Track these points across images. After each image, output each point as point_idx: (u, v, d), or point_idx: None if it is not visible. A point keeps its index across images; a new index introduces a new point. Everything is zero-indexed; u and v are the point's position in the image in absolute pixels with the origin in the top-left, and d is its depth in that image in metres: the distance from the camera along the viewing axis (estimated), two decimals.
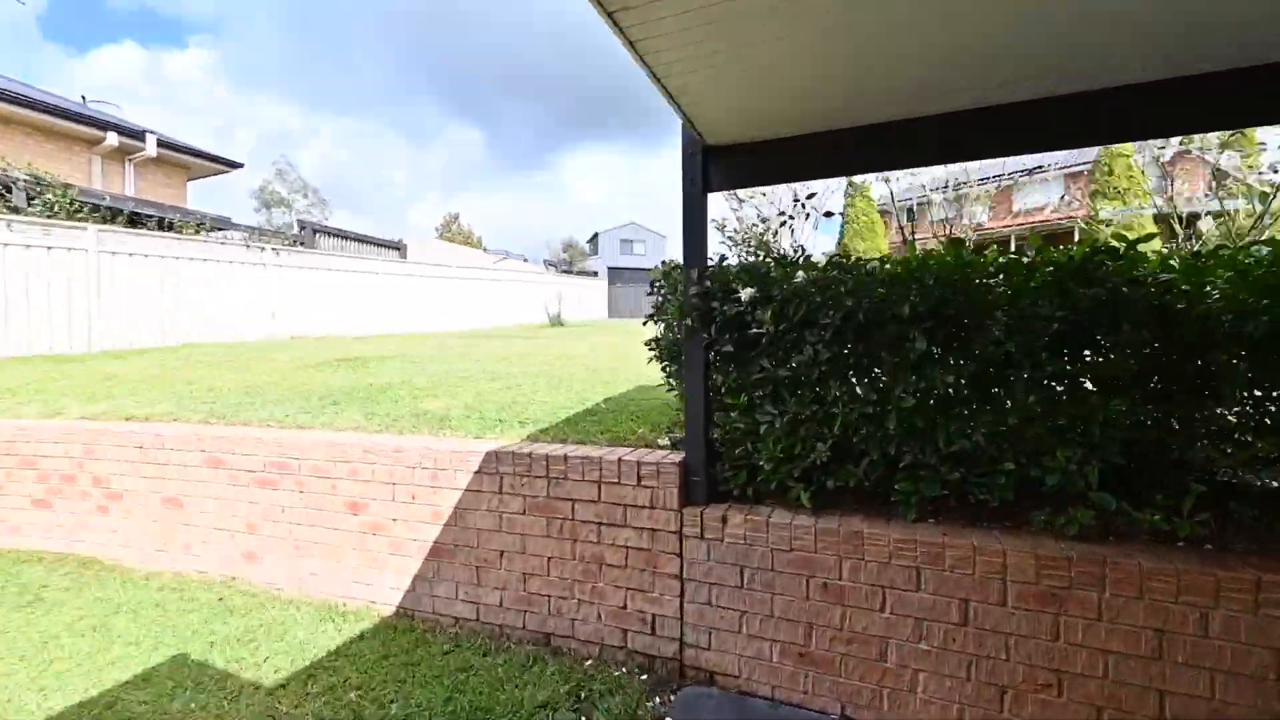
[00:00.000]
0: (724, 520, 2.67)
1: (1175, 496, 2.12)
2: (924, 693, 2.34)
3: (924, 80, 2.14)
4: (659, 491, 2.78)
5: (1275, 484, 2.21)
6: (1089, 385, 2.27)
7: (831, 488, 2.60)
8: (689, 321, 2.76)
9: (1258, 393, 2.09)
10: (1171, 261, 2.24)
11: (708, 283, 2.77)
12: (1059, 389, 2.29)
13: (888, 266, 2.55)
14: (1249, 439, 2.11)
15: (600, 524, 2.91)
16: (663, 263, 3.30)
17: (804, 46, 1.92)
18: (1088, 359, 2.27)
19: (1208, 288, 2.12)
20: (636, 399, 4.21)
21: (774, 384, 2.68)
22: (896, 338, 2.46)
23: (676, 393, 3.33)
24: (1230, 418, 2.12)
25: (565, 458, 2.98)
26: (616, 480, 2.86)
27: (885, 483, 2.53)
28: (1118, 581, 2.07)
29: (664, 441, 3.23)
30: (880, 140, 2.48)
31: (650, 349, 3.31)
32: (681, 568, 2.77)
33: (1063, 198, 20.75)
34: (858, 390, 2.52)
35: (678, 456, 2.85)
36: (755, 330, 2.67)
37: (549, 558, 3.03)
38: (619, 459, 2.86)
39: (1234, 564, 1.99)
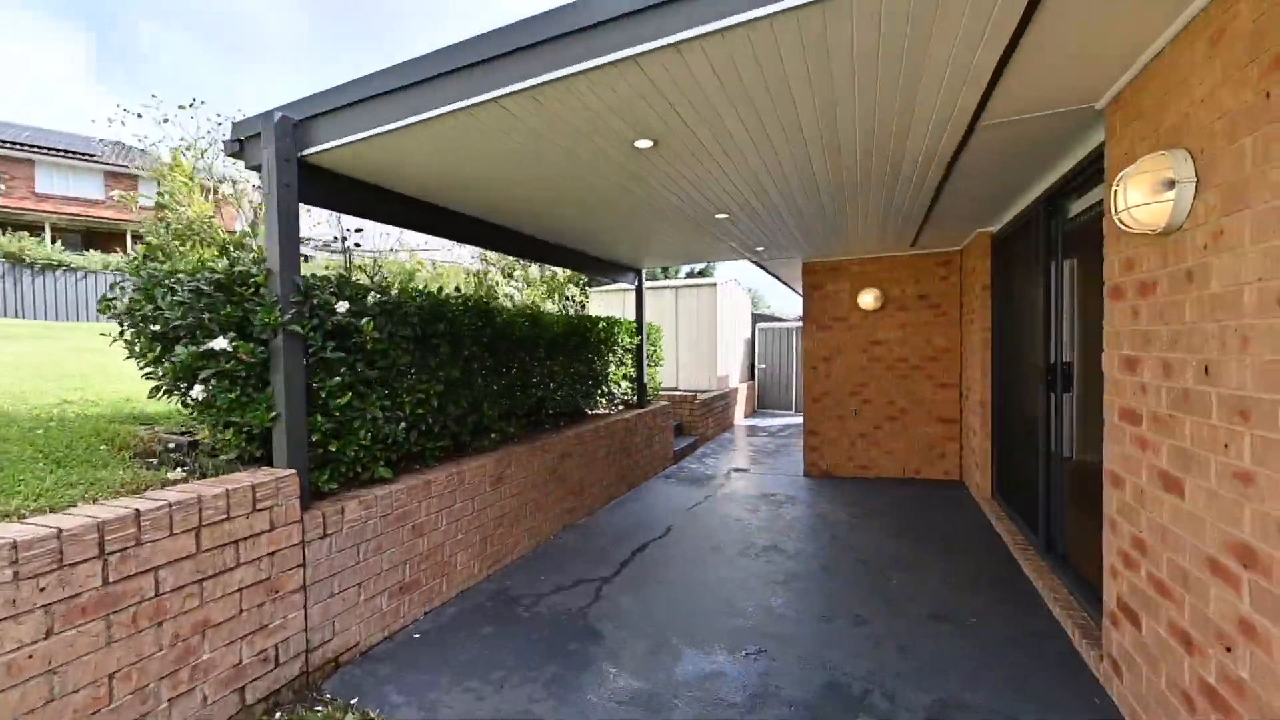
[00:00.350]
0: (343, 511, 2.90)
1: (516, 416, 4.52)
2: (460, 564, 3.70)
3: (468, 193, 3.58)
4: (279, 509, 2.59)
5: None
6: (489, 369, 4.32)
7: (395, 459, 3.41)
8: (297, 329, 2.71)
9: (537, 368, 4.78)
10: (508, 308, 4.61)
11: (315, 294, 2.83)
12: (485, 373, 4.20)
13: (419, 300, 3.60)
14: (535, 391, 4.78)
15: (203, 579, 2.29)
16: (151, 271, 2.64)
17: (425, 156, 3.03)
18: (492, 359, 4.30)
19: (516, 322, 4.63)
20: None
21: (366, 383, 3.15)
22: (433, 346, 3.63)
23: (197, 410, 2.71)
24: (535, 380, 4.73)
25: (137, 515, 2.10)
26: (225, 516, 2.37)
27: (421, 446, 3.61)
28: (513, 461, 4.26)
29: (177, 474, 2.66)
30: (436, 217, 3.56)
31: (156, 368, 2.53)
32: (304, 577, 2.71)
33: (110, 196, 18.63)
34: (418, 384, 3.48)
35: (285, 470, 2.69)
36: (357, 339, 3.04)
37: (112, 674, 2.02)
38: (226, 491, 2.38)
39: (540, 437, 4.61)
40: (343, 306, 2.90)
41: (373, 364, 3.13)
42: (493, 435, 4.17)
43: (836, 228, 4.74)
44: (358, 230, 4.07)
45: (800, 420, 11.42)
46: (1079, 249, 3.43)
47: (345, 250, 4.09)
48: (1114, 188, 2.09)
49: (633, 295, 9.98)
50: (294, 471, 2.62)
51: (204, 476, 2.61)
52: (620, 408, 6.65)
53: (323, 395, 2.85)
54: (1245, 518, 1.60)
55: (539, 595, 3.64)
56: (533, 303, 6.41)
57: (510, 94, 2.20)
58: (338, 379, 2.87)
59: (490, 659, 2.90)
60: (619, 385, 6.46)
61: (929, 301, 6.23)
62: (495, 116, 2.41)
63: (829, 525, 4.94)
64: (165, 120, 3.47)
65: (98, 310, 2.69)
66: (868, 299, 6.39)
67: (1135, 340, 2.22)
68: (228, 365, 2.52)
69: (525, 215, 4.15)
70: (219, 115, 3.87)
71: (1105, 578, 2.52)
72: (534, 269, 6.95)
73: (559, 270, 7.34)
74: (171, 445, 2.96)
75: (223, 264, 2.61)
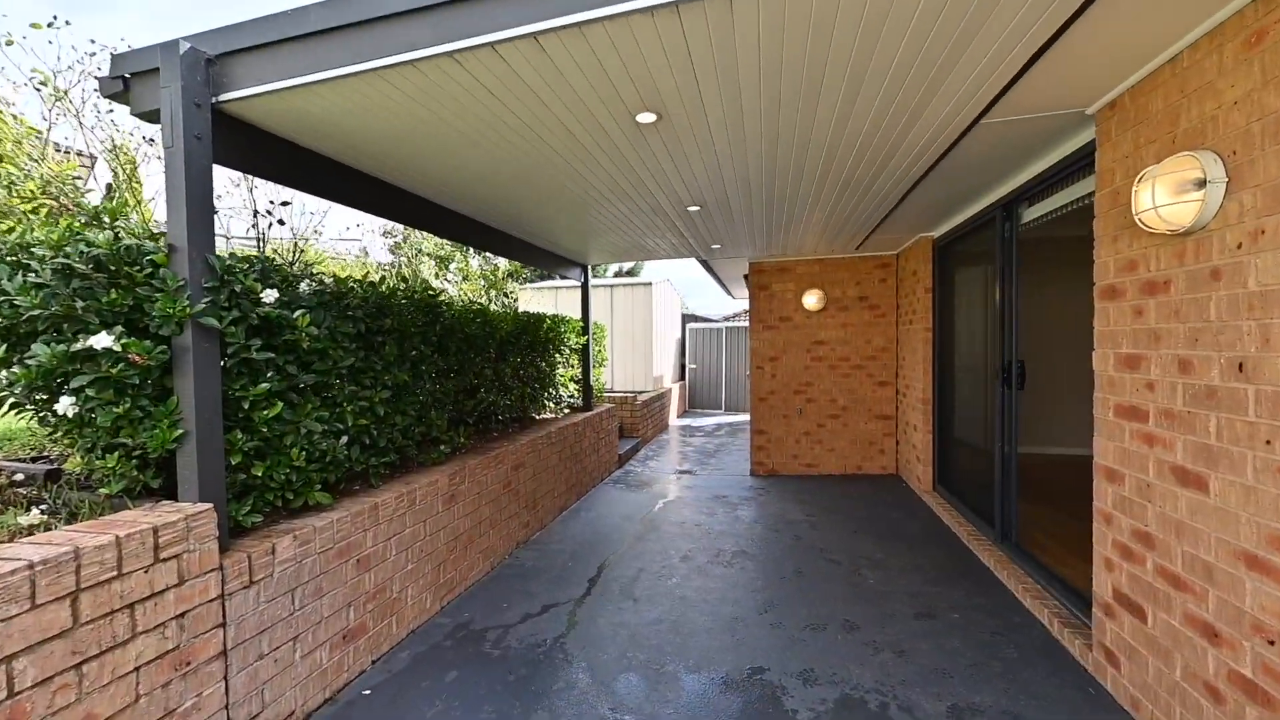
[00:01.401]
0: (273, 550, 2.33)
1: (466, 424, 4.02)
2: (410, 598, 3.18)
3: (417, 172, 3.08)
4: (191, 555, 2.01)
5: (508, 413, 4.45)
6: (440, 371, 3.79)
7: (332, 481, 2.85)
8: (212, 322, 2.13)
9: (487, 371, 4.27)
10: (457, 305, 4.08)
11: (234, 278, 2.25)
12: (433, 377, 3.68)
13: (361, 289, 3.04)
14: (485, 396, 4.27)
15: (84, 662, 1.70)
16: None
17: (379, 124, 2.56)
18: (442, 360, 3.78)
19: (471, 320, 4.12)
20: None
21: (300, 390, 2.58)
22: (378, 345, 3.08)
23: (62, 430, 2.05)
24: (485, 383, 4.21)
25: None
26: (116, 573, 1.79)
27: (364, 463, 3.05)
28: (467, 475, 3.77)
29: (34, 516, 2.01)
30: (385, 196, 3.01)
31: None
32: (225, 640, 2.13)
33: None
34: (360, 388, 2.93)
35: (196, 505, 2.09)
36: (289, 335, 2.47)
37: None
38: (115, 538, 1.79)
39: (492, 446, 4.12)
40: (271, 296, 2.32)
41: (308, 367, 2.56)
42: (442, 447, 3.66)
43: (798, 226, 4.70)
44: (284, 204, 3.35)
45: (731, 419, 11.58)
46: (1037, 252, 3.59)
47: (265, 226, 3.35)
48: (1134, 188, 2.10)
49: (566, 293, 9.56)
50: (209, 505, 2.04)
51: (75, 518, 1.96)
52: (567, 411, 6.25)
53: (245, 406, 2.26)
54: None
55: (506, 627, 3.20)
56: (470, 299, 5.85)
57: (511, 39, 1.81)
58: (265, 385, 2.29)
59: (463, 712, 2.45)
60: (566, 387, 6.06)
61: (868, 303, 6.43)
62: (488, 67, 2.00)
63: (789, 525, 4.89)
64: (9, 42, 2.57)
65: None
66: (811, 300, 6.48)
67: (1139, 338, 2.25)
68: (113, 369, 1.89)
69: (485, 200, 3.67)
70: (95, 42, 2.96)
71: (1096, 570, 2.57)
72: (474, 262, 6.36)
73: (502, 262, 6.78)
74: (18, 477, 2.23)
75: (103, 235, 1.96)
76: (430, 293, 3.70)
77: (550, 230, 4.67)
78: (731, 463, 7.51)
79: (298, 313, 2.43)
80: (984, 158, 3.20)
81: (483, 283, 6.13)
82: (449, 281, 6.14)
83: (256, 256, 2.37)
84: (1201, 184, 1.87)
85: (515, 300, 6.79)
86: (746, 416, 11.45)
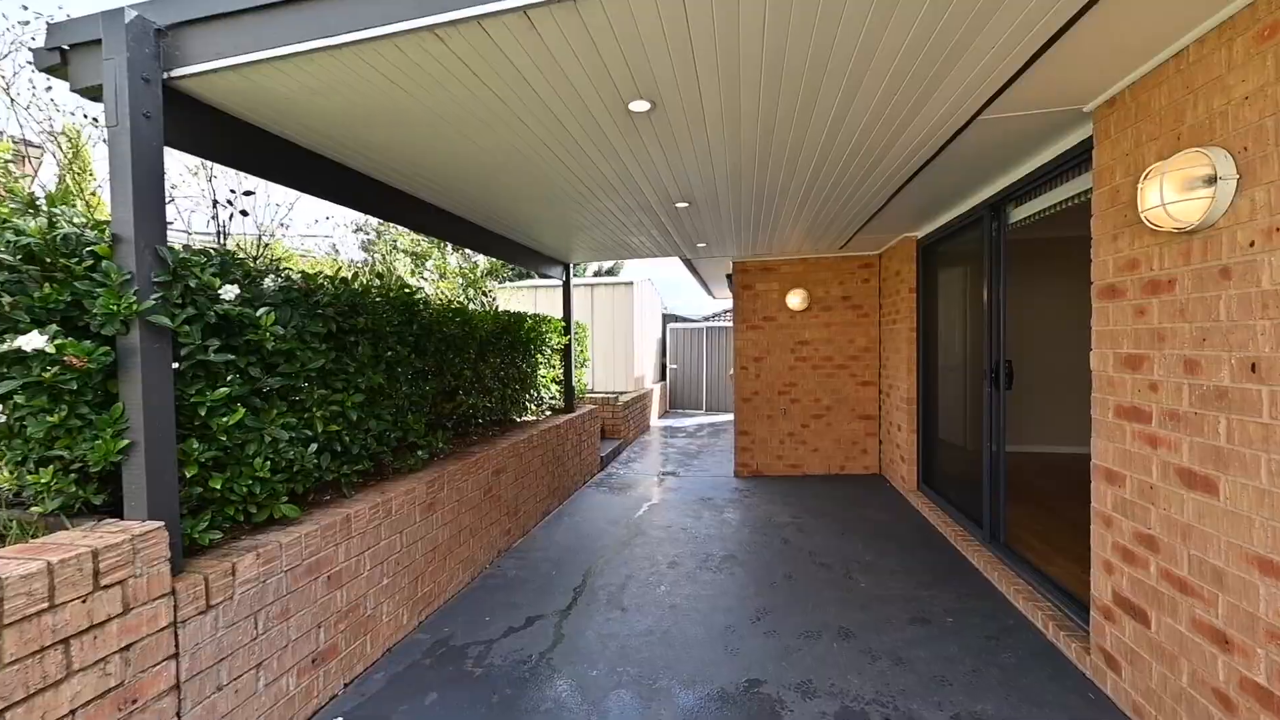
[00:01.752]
0: (233, 570, 2.13)
1: (445, 427, 3.83)
2: (385, 615, 2.99)
3: (393, 160, 2.89)
4: (138, 580, 1.81)
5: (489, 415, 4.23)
6: (422, 373, 3.60)
7: (300, 492, 2.66)
8: (164, 321, 1.93)
9: (466, 372, 4.08)
10: (434, 305, 3.88)
11: (188, 273, 2.05)
12: (410, 379, 3.48)
13: (332, 286, 2.84)
14: (464, 398, 4.08)
15: (3, 710, 1.50)
16: None
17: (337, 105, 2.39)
18: (419, 361, 3.58)
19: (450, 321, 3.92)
20: None
21: (264, 395, 2.38)
22: (351, 346, 2.89)
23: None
24: (465, 385, 4.02)
25: None
26: (47, 604, 1.58)
27: (335, 472, 2.86)
28: (446, 482, 3.58)
29: None
30: (351, 184, 2.81)
31: None
32: (178, 672, 1.93)
33: None
34: (331, 392, 2.73)
35: (144, 523, 1.89)
36: (252, 335, 2.27)
37: None
38: (47, 565, 1.59)
39: (472, 451, 3.94)
40: (230, 292, 2.12)
41: (273, 369, 2.36)
42: (420, 452, 3.46)
43: (785, 224, 4.63)
44: (247, 193, 3.10)
45: (712, 419, 11.53)
46: (1027, 252, 3.57)
47: (226, 218, 3.10)
48: (1140, 185, 2.06)
49: (545, 292, 9.37)
50: (159, 524, 1.84)
51: (2, 540, 1.74)
52: (548, 413, 6.08)
53: (201, 412, 2.06)
54: None
55: (489, 642, 3.04)
56: (448, 298, 5.64)
57: (499, 12, 1.67)
58: (224, 389, 2.09)
59: None
60: (548, 389, 5.89)
61: (851, 303, 6.42)
62: (474, 45, 1.84)
63: (776, 528, 4.82)
64: None
65: None
66: (795, 300, 6.44)
67: (1141, 338, 2.22)
68: (46, 373, 1.68)
69: (465, 192, 3.49)
70: (28, 10, 2.68)
71: (1095, 573, 2.54)
72: (452, 259, 6.14)
73: (481, 260, 6.57)
74: None
75: (35, 223, 1.74)
76: (407, 290, 3.50)
77: (532, 226, 4.50)
78: (715, 464, 7.43)
79: (261, 310, 2.23)
80: (975, 157, 3.15)
81: (460, 281, 5.94)
82: (425, 279, 5.91)
83: (215, 249, 2.16)
84: (1211, 181, 1.82)
85: (494, 299, 6.59)
86: (727, 417, 11.42)
